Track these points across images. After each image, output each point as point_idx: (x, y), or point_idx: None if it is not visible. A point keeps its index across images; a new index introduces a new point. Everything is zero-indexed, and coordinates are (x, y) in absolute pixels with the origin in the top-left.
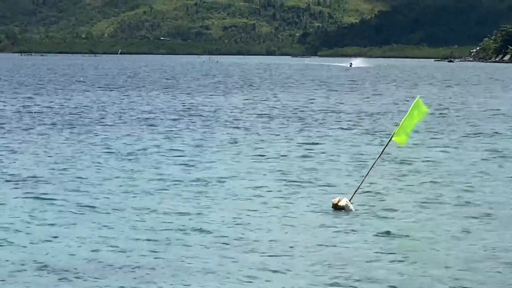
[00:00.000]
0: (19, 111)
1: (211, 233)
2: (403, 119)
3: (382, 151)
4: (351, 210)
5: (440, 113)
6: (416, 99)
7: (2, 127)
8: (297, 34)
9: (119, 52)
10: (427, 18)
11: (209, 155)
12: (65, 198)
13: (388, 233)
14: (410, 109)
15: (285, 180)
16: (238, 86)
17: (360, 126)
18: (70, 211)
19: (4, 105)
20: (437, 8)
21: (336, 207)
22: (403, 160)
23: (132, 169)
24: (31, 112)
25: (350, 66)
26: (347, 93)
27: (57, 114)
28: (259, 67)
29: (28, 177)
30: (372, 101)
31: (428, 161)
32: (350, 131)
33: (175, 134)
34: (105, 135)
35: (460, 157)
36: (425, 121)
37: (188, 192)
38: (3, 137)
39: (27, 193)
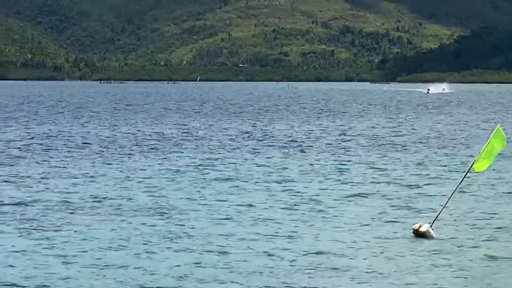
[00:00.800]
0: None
1: (293, 260)
2: (484, 147)
3: (464, 177)
4: (432, 236)
5: None
6: (496, 129)
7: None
8: (376, 60)
9: (198, 79)
10: (507, 43)
11: (296, 180)
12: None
13: (470, 260)
14: (490, 137)
15: (365, 205)
16: (317, 113)
17: (442, 151)
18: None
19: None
20: None
21: (417, 233)
22: (485, 186)
23: (230, 195)
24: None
25: (427, 92)
26: (427, 119)
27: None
28: (344, 93)
29: (121, 203)
30: (453, 126)
31: (510, 188)
32: (431, 156)
33: (276, 160)
34: (205, 160)
35: None
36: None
37: (274, 216)
38: (110, 162)
39: (125, 218)
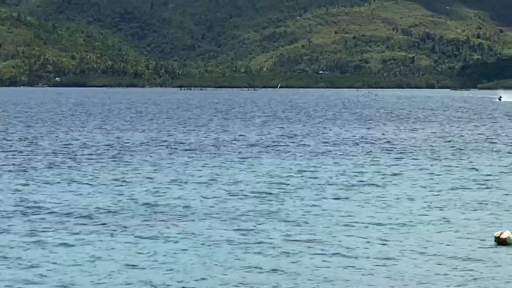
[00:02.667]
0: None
1: (375, 264)
2: None
3: None
4: None
5: None
6: None
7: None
8: (456, 67)
9: (278, 86)
10: None
11: (379, 184)
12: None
13: None
14: None
15: (447, 212)
16: (394, 119)
17: None
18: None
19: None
20: None
21: (499, 240)
22: None
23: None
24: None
25: (499, 99)
26: (505, 126)
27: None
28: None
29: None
30: None
31: None
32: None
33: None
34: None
35: None
36: None
37: (362, 219)
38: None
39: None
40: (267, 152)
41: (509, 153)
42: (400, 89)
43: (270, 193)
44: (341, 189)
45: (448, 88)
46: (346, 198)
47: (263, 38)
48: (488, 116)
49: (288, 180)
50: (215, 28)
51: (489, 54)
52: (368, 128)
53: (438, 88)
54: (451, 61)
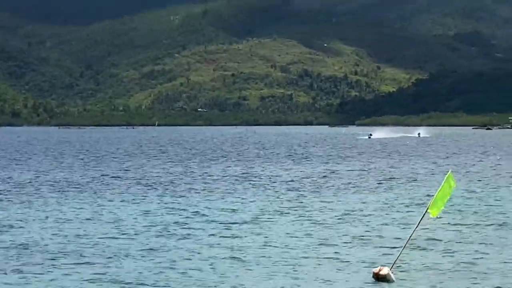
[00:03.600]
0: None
1: None
2: (436, 193)
3: (419, 222)
4: (392, 280)
5: (479, 180)
6: (448, 174)
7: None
8: (335, 104)
9: (156, 124)
10: (465, 86)
11: (253, 221)
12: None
13: None
14: (442, 183)
15: (324, 248)
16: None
17: (401, 193)
18: None
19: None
20: (474, 75)
21: (378, 277)
22: (441, 228)
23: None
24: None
25: (369, 137)
26: (383, 162)
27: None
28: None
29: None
30: (413, 169)
31: (467, 228)
32: (391, 198)
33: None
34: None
35: (499, 222)
36: (463, 189)
37: (243, 259)
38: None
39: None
40: (151, 190)
41: (383, 189)
42: (279, 126)
43: (153, 231)
44: (223, 227)
45: (327, 125)
46: (230, 235)
47: (142, 76)
48: (358, 153)
49: (165, 217)
50: (93, 67)
51: (367, 91)
52: (249, 166)
53: (316, 124)
54: (329, 98)
